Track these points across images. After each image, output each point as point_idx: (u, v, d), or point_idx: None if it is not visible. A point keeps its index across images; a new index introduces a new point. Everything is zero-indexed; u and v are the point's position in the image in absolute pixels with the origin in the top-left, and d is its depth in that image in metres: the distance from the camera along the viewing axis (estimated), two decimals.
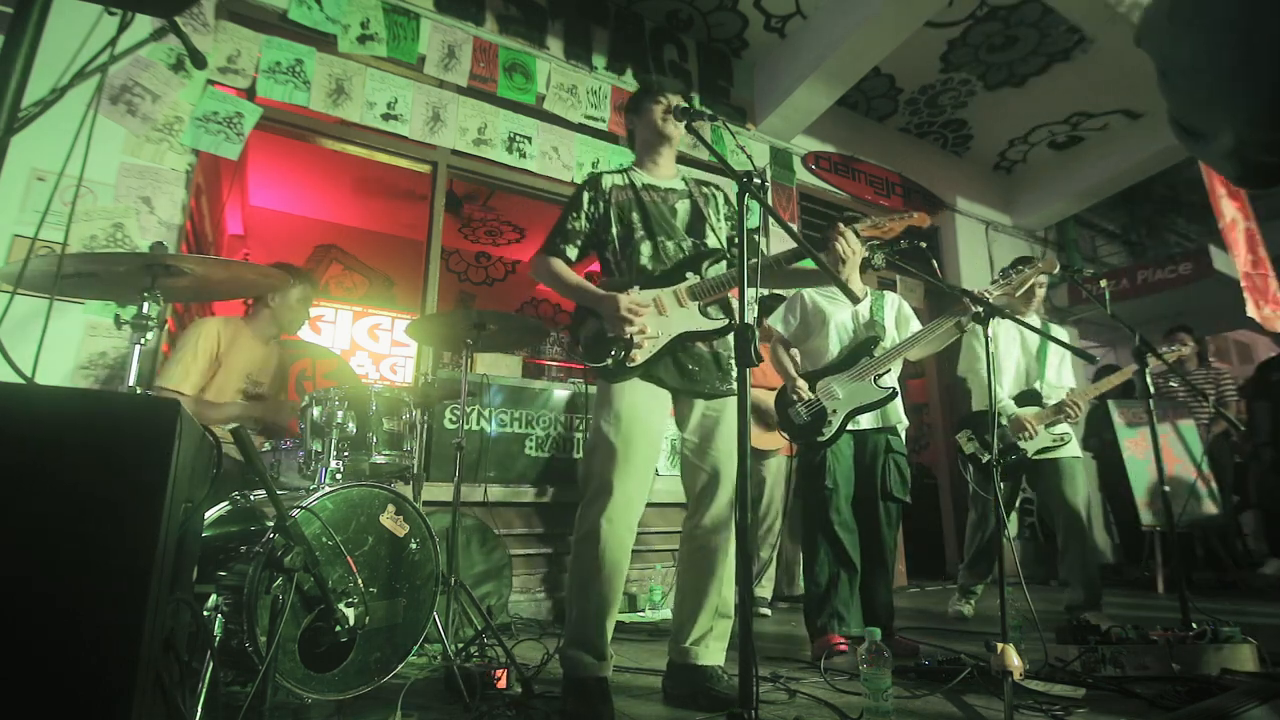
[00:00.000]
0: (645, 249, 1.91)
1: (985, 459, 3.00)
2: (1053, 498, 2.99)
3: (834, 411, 2.39)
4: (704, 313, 1.85)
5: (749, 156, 1.69)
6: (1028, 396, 3.01)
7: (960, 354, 3.26)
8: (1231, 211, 4.47)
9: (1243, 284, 4.35)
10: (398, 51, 3.44)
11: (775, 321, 2.69)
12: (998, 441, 2.98)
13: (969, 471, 3.09)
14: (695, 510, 1.87)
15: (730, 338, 1.94)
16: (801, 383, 2.44)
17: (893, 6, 3.63)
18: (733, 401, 1.90)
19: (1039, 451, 2.98)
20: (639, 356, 1.78)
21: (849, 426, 2.40)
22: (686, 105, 1.83)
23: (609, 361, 1.78)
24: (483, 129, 3.61)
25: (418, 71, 3.52)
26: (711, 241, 1.99)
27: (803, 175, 4.84)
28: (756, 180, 1.42)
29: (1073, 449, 3.02)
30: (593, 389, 1.96)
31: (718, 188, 2.12)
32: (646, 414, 1.80)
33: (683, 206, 2.01)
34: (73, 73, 0.94)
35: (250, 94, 3.09)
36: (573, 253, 1.95)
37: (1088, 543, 2.89)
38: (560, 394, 3.54)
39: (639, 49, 4.28)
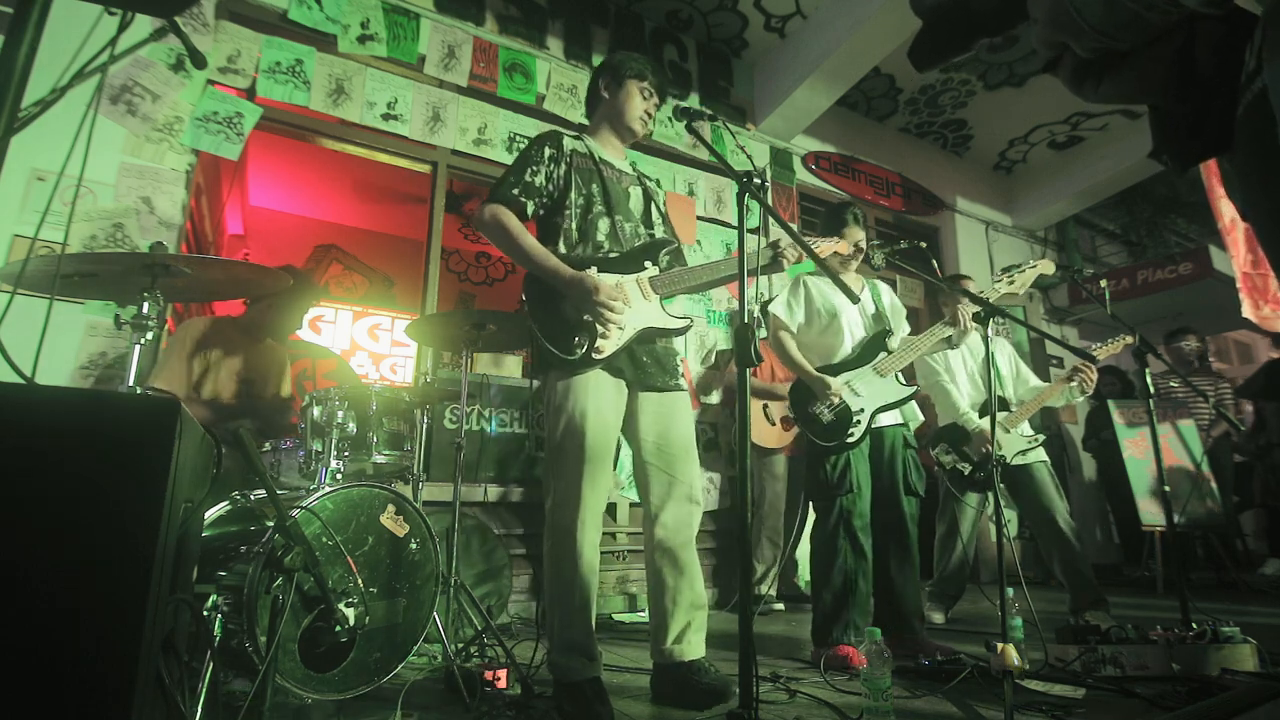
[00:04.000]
0: (603, 225, 1.84)
1: (966, 470, 3.00)
2: (1029, 507, 3.00)
3: (860, 411, 2.31)
4: (663, 308, 1.82)
5: (749, 156, 1.69)
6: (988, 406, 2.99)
7: (916, 369, 3.29)
8: (1231, 211, 4.46)
9: (1239, 285, 4.34)
10: (398, 51, 3.44)
11: (778, 308, 2.52)
12: (974, 454, 2.99)
13: (949, 484, 3.09)
14: (657, 512, 1.80)
15: (676, 338, 1.92)
16: (833, 382, 2.32)
17: (893, 6, 3.63)
18: (681, 397, 1.88)
19: (1016, 455, 2.97)
20: (606, 348, 1.70)
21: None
22: (686, 105, 1.82)
23: (577, 353, 1.70)
24: (483, 129, 3.61)
25: (418, 71, 3.52)
26: (659, 233, 1.97)
27: (803, 175, 4.84)
28: (756, 180, 1.42)
29: (1038, 453, 3.02)
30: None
31: (658, 183, 2.10)
32: (609, 409, 1.74)
33: (635, 192, 1.96)
34: (73, 73, 0.94)
35: (250, 94, 3.09)
36: (530, 208, 1.80)
37: (1072, 544, 2.87)
38: None
39: (639, 49, 4.28)
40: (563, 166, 1.84)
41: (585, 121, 1.99)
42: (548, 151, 1.84)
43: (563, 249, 1.80)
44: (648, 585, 1.86)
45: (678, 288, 1.82)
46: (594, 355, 1.70)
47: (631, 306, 1.76)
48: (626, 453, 3.48)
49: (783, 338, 2.46)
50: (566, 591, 1.69)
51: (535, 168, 1.81)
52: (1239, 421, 4.61)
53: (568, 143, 1.88)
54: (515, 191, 1.78)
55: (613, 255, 1.82)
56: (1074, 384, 2.90)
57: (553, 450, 1.75)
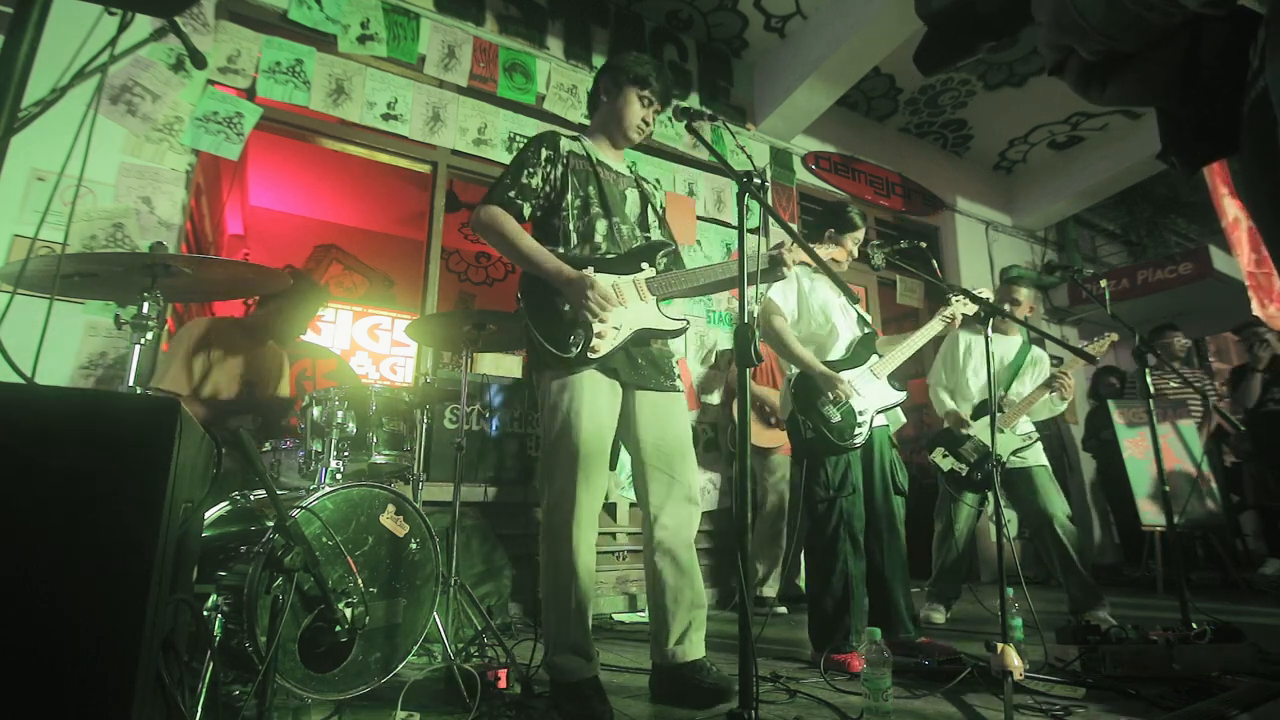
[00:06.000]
0: (601, 226, 1.84)
1: (964, 472, 3.00)
2: (1028, 510, 2.99)
3: (863, 412, 2.26)
4: (660, 310, 1.82)
5: (749, 156, 1.69)
6: (988, 407, 2.98)
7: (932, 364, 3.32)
8: (1234, 210, 4.46)
9: (1247, 283, 4.34)
10: (398, 51, 3.44)
11: (774, 295, 2.39)
12: (972, 454, 2.99)
13: (947, 486, 3.09)
14: (657, 513, 1.79)
15: (671, 341, 1.92)
16: (844, 378, 2.25)
17: (893, 6, 3.63)
18: (677, 398, 1.88)
19: (1012, 454, 2.96)
20: (601, 347, 1.71)
21: None
22: (686, 106, 1.82)
23: (572, 351, 1.70)
24: (483, 129, 3.61)
25: (418, 71, 3.52)
26: (656, 235, 1.96)
27: (803, 175, 4.84)
28: (756, 180, 1.42)
29: (1038, 457, 3.01)
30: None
31: (657, 185, 2.09)
32: (604, 409, 1.74)
33: (632, 194, 1.96)
34: (73, 73, 0.94)
35: (250, 94, 3.09)
36: (527, 210, 1.80)
37: (1069, 546, 2.86)
38: None
39: (639, 49, 4.28)
40: (559, 168, 1.84)
41: (585, 121, 1.99)
42: (544, 153, 1.83)
43: (561, 250, 1.81)
44: (647, 586, 1.85)
45: (674, 290, 1.83)
46: (589, 354, 1.70)
47: (628, 307, 1.76)
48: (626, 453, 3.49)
49: (779, 325, 2.33)
50: (563, 593, 1.68)
51: (531, 170, 1.81)
52: (1239, 422, 4.60)
53: (564, 144, 1.87)
54: (511, 194, 1.78)
55: (610, 256, 1.82)
56: (1053, 393, 2.91)
57: (547, 451, 1.75)
